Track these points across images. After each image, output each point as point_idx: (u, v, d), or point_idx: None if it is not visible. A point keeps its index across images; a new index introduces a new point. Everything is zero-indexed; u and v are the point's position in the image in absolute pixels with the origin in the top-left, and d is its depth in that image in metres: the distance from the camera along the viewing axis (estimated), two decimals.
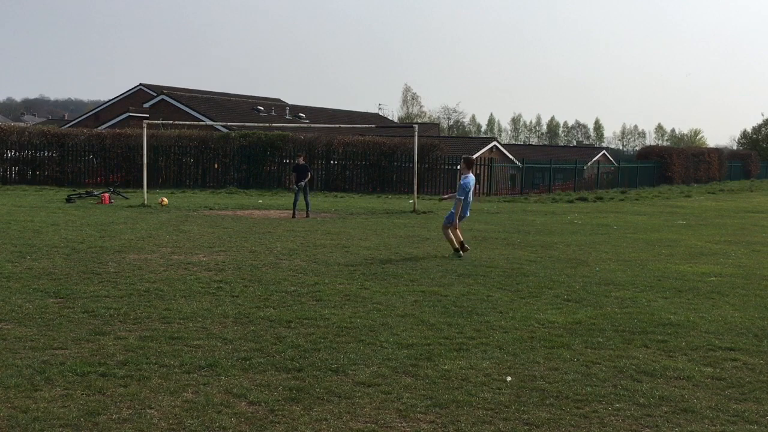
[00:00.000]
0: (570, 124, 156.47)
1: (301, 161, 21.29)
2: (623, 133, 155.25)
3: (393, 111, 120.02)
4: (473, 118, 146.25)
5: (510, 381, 6.15)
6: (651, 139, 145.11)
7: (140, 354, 6.62)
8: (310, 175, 21.12)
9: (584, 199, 31.26)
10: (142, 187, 24.30)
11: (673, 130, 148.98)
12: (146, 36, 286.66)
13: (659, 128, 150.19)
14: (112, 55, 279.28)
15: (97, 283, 9.85)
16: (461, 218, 13.52)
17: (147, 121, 26.18)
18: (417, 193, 24.80)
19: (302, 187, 20.62)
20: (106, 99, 62.95)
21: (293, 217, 20.11)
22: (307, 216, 20.29)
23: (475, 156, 40.55)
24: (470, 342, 7.32)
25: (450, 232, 13.38)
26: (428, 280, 10.74)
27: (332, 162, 35.00)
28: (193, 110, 43.45)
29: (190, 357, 6.56)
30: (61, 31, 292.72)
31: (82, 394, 5.59)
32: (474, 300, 9.35)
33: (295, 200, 20.61)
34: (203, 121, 38.30)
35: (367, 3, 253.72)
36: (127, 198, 24.83)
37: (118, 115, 48.78)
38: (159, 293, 9.25)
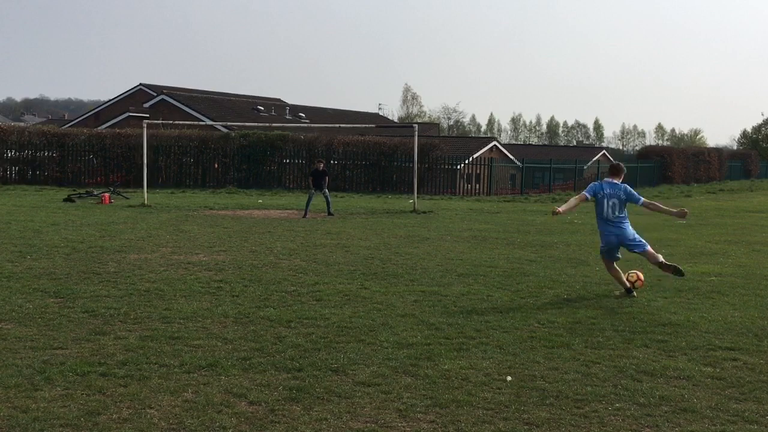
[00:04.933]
0: (570, 124, 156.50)
1: (321, 167, 21.86)
2: (623, 132, 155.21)
3: (393, 111, 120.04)
4: (473, 118, 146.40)
5: (510, 381, 6.15)
6: (651, 139, 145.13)
7: (140, 354, 6.62)
8: (327, 180, 21.80)
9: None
10: (142, 187, 24.31)
11: (673, 130, 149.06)
12: (146, 36, 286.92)
13: (659, 128, 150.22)
14: (112, 55, 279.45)
15: (97, 282, 9.85)
16: (608, 249, 10.02)
17: (147, 121, 26.19)
18: (417, 193, 24.80)
19: (320, 191, 21.28)
20: (106, 99, 62.98)
21: (304, 216, 20.29)
22: (330, 214, 20.94)
23: (475, 156, 40.61)
24: (470, 342, 7.32)
25: (611, 268, 10.06)
26: (428, 280, 10.74)
27: (332, 162, 35.00)
28: (193, 110, 43.47)
29: (190, 357, 6.56)
30: (61, 31, 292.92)
31: (82, 394, 5.59)
32: (474, 300, 9.35)
33: (308, 202, 20.95)
34: (203, 121, 38.31)
35: (367, 3, 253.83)
36: (127, 198, 24.84)
37: (118, 115, 48.78)
38: (159, 293, 9.25)
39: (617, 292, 9.92)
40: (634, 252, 10.03)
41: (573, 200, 10.26)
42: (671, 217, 10.30)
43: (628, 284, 9.78)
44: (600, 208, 10.01)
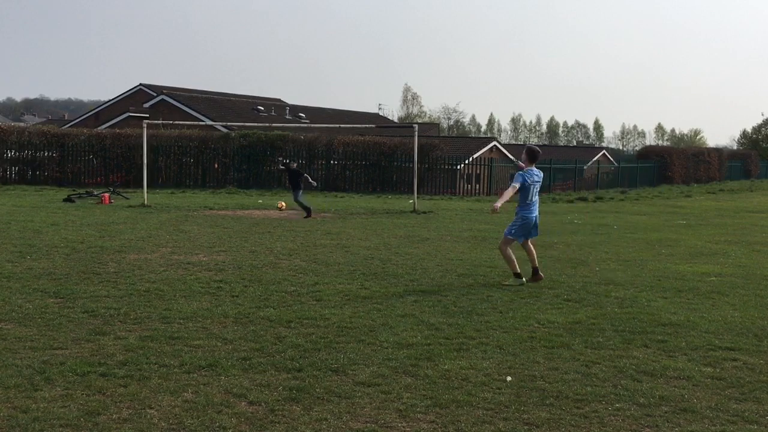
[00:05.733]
0: (570, 124, 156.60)
1: (294, 166, 21.65)
2: (623, 133, 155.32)
3: (393, 111, 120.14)
4: (473, 118, 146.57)
5: (510, 381, 6.15)
6: (651, 139, 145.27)
7: (140, 354, 6.62)
8: (302, 180, 21.23)
9: (584, 199, 31.25)
10: (142, 187, 24.31)
11: (673, 130, 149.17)
12: (146, 36, 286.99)
13: (659, 128, 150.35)
14: (112, 55, 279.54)
15: (97, 283, 9.84)
16: (526, 230, 10.75)
17: (147, 121, 26.17)
18: (417, 193, 24.79)
19: (297, 190, 20.88)
20: (106, 99, 62.93)
21: (308, 215, 20.04)
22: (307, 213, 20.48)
23: (475, 156, 40.62)
24: (470, 342, 7.32)
25: (509, 248, 10.71)
26: (428, 280, 10.74)
27: (332, 162, 35.00)
28: (193, 110, 43.45)
29: (190, 357, 6.56)
30: (61, 31, 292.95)
31: (82, 394, 5.59)
32: (474, 300, 9.35)
33: (299, 200, 20.64)
34: (203, 121, 38.31)
35: (367, 3, 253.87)
36: (127, 198, 24.83)
37: (118, 115, 48.75)
38: (159, 293, 9.25)
39: (509, 281, 10.59)
40: (531, 237, 10.93)
41: (508, 192, 10.81)
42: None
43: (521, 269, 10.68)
44: (527, 194, 10.63)
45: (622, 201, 31.53)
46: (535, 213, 10.79)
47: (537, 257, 10.91)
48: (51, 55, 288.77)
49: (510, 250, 10.65)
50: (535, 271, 10.73)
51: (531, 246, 10.90)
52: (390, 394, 5.77)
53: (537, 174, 10.76)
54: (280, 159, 23.15)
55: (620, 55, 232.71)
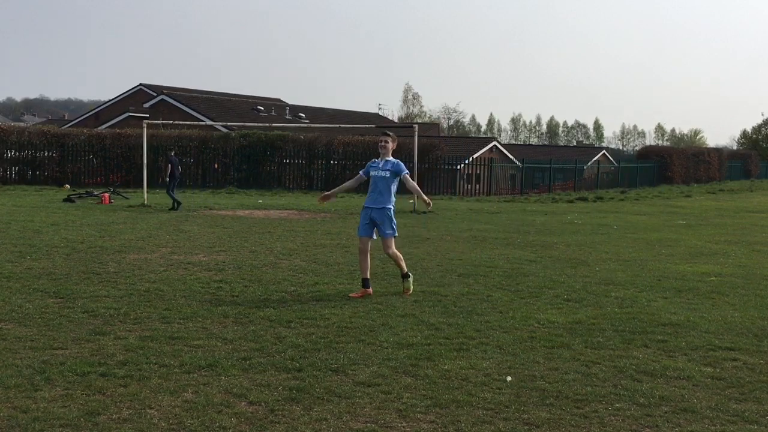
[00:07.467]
0: (570, 124, 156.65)
1: (172, 154, 22.50)
2: (623, 133, 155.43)
3: (393, 111, 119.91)
4: (473, 118, 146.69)
5: (510, 381, 6.14)
6: (651, 139, 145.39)
7: (140, 354, 6.61)
8: (170, 168, 21.73)
9: (584, 199, 31.26)
10: (142, 187, 24.31)
11: (673, 130, 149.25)
12: (146, 36, 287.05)
13: (659, 128, 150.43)
14: (112, 55, 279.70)
15: (97, 283, 9.84)
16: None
17: (147, 121, 26.18)
18: None
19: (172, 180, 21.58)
20: (106, 99, 62.97)
21: (177, 208, 20.88)
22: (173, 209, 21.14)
23: (475, 156, 40.61)
24: (470, 342, 7.32)
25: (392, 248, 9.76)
26: (428, 280, 10.74)
27: (332, 162, 35.00)
28: (193, 110, 43.48)
29: (190, 357, 6.56)
30: (61, 31, 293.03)
31: (82, 394, 5.58)
32: (474, 300, 9.34)
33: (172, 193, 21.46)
34: (203, 121, 38.31)
35: (367, 3, 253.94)
36: (127, 198, 24.84)
37: (118, 115, 48.80)
38: (159, 293, 9.24)
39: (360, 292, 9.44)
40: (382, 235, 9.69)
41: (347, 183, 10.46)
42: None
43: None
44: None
45: (622, 201, 31.53)
46: (371, 205, 9.69)
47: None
48: (51, 55, 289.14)
49: (395, 250, 9.76)
50: (364, 282, 9.51)
51: (391, 253, 9.66)
52: (390, 394, 5.76)
53: (375, 164, 9.87)
54: (173, 149, 23.54)
55: (620, 55, 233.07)
